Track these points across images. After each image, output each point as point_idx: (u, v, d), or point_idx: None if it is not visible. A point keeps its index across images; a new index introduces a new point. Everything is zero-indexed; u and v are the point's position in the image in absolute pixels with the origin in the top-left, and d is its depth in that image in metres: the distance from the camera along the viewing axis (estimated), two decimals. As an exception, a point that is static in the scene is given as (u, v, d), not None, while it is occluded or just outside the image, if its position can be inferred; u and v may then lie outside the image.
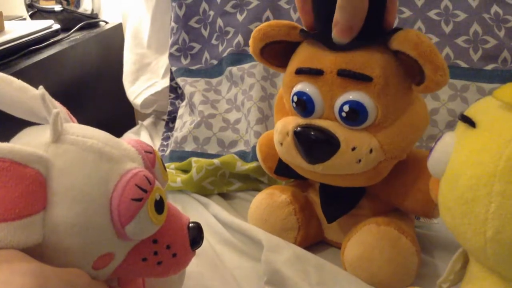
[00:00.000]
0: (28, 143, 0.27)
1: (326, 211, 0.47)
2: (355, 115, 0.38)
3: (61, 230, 0.25)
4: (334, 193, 0.46)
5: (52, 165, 0.26)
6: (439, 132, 0.60)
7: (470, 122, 0.28)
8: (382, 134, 0.40)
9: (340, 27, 0.36)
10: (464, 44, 0.62)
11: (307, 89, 0.40)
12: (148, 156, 0.32)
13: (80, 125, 0.30)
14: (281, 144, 0.43)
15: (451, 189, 0.28)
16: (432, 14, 0.64)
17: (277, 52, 0.44)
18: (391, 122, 0.40)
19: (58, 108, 0.31)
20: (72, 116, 0.33)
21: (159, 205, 0.29)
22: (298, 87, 0.41)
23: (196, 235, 0.33)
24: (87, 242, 0.26)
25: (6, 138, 0.28)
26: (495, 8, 0.63)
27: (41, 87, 0.29)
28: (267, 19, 0.69)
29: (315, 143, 0.40)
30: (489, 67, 0.61)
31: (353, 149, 0.39)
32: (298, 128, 0.41)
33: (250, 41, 0.43)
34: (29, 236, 0.24)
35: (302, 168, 0.43)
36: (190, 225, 0.33)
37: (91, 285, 0.26)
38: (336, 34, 0.37)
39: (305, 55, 0.41)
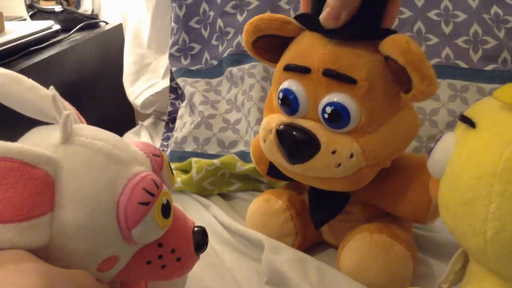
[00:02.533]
0: (37, 143, 0.27)
1: (313, 216, 0.47)
2: (337, 117, 0.38)
3: (68, 232, 0.26)
4: (321, 199, 0.46)
5: (61, 167, 0.26)
6: (439, 132, 0.60)
7: (470, 123, 0.28)
8: (364, 139, 0.38)
9: (329, 11, 0.36)
10: (464, 45, 0.62)
11: (294, 87, 0.40)
12: (156, 160, 0.32)
13: (89, 126, 0.30)
14: (264, 141, 0.43)
15: (451, 189, 0.28)
16: (432, 14, 0.64)
17: (271, 47, 0.43)
18: (375, 128, 0.39)
19: (68, 109, 0.31)
20: (81, 117, 0.33)
21: (166, 209, 0.29)
22: (285, 84, 0.40)
23: (200, 239, 0.33)
24: (93, 244, 0.26)
25: (15, 137, 0.28)
26: (495, 9, 0.63)
27: (51, 87, 0.29)
28: (267, 19, 0.69)
29: (296, 143, 0.39)
30: (489, 67, 0.62)
31: (334, 152, 0.38)
32: (281, 127, 0.40)
33: (243, 34, 0.43)
34: (36, 238, 0.24)
35: (284, 167, 0.43)
36: (195, 229, 0.33)
37: (95, 287, 0.26)
38: (323, 17, 0.37)
39: (295, 51, 0.41)
